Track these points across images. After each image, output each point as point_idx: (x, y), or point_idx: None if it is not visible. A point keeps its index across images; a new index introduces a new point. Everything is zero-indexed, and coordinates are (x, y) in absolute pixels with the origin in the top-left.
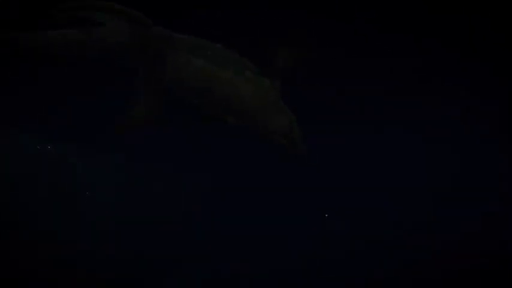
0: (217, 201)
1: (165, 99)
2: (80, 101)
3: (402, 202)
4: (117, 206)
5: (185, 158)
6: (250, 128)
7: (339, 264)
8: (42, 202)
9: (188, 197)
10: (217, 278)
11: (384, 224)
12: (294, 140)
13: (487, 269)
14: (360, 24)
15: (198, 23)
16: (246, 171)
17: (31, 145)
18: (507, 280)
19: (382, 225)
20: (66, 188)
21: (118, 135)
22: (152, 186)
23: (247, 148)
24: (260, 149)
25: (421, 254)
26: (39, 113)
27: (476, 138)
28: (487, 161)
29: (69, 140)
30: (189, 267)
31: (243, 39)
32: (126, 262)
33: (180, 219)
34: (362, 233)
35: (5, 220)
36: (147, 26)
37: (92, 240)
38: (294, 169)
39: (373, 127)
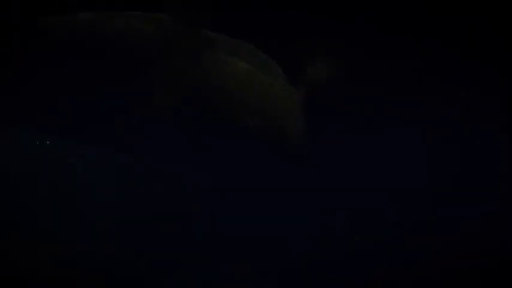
0: (217, 201)
1: (183, 98)
2: (80, 101)
3: (402, 202)
4: (117, 206)
5: (185, 158)
6: (264, 128)
7: (339, 264)
8: (42, 202)
9: (188, 197)
10: (217, 278)
11: (384, 224)
12: (301, 140)
13: (487, 269)
14: (360, 24)
15: (227, 26)
16: (246, 171)
17: (31, 145)
18: (507, 280)
19: (382, 225)
20: (66, 188)
21: (118, 134)
22: (152, 186)
23: (247, 148)
24: (260, 149)
25: (421, 254)
26: (40, 112)
27: (476, 138)
28: (487, 161)
29: (69, 140)
30: (189, 267)
31: (272, 46)
32: (126, 262)
33: (180, 219)
34: (362, 233)
35: (5, 220)
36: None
37: (92, 240)
38: (294, 169)
39: (373, 127)
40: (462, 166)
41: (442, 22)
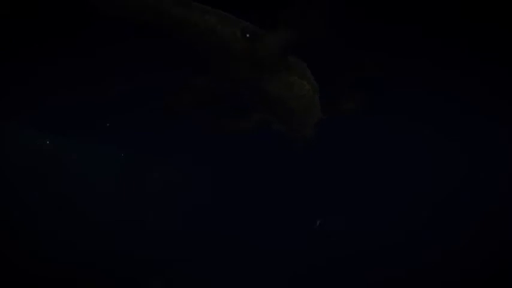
0: (216, 202)
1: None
2: (82, 99)
3: (402, 202)
4: (117, 206)
5: (185, 157)
6: (287, 130)
7: (339, 264)
8: (42, 202)
9: (188, 197)
10: (210, 278)
11: (384, 224)
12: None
13: (487, 269)
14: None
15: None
16: (246, 171)
17: (31, 145)
18: (507, 280)
19: (381, 224)
20: (66, 187)
21: (118, 134)
22: (152, 186)
23: (248, 148)
24: (260, 149)
25: (421, 254)
26: (40, 112)
27: (477, 138)
28: (487, 161)
29: (69, 140)
30: (188, 267)
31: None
32: (126, 262)
33: (179, 219)
34: (362, 233)
35: (5, 220)
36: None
37: (91, 240)
38: (295, 169)
39: (373, 127)
40: (462, 166)
41: (444, 21)
